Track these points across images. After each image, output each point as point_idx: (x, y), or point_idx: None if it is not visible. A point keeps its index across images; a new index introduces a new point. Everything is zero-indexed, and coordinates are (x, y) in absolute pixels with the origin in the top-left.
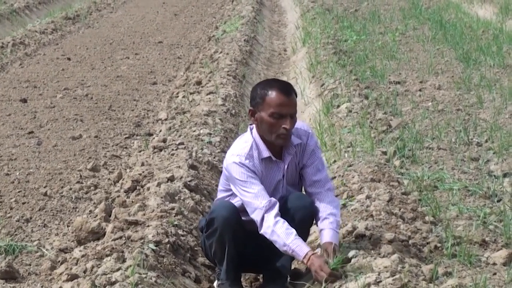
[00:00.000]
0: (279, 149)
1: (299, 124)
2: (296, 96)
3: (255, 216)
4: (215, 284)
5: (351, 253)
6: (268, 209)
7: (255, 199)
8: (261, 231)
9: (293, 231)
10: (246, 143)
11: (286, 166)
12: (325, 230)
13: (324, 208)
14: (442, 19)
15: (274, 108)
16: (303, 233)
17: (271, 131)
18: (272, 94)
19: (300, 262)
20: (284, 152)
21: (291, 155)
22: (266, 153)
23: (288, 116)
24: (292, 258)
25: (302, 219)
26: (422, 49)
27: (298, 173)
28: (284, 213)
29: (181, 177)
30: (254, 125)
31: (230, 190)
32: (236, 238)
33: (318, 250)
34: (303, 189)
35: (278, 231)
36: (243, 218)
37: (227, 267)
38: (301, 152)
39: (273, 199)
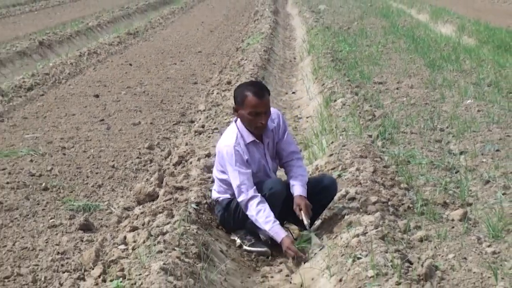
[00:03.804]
0: (259, 134)
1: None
2: (269, 95)
3: (240, 200)
4: (246, 246)
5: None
6: (251, 198)
7: (241, 186)
8: (247, 213)
9: (271, 218)
10: (233, 134)
11: (266, 146)
12: (296, 186)
13: (296, 170)
14: (414, 35)
15: (251, 108)
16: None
17: (251, 124)
18: (250, 97)
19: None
20: (263, 136)
21: (268, 138)
22: (250, 138)
23: (262, 113)
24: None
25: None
26: (399, 57)
27: (275, 148)
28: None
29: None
30: (238, 118)
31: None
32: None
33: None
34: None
35: (260, 220)
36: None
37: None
38: (277, 132)
39: (254, 192)
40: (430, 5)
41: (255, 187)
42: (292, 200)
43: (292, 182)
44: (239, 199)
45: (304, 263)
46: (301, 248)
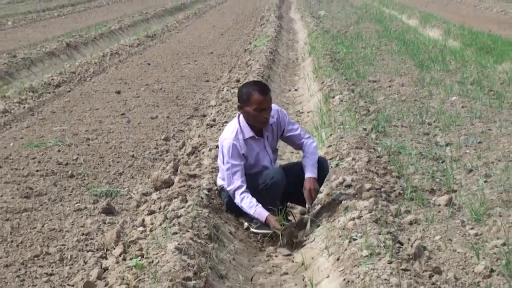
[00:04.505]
0: (260, 130)
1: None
2: (270, 92)
3: (229, 189)
4: (252, 229)
5: (341, 197)
6: (237, 188)
7: (232, 178)
8: (235, 201)
9: (254, 202)
10: (234, 129)
11: (266, 139)
12: (307, 167)
13: (307, 149)
14: (404, 38)
15: (257, 104)
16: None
17: (255, 120)
18: (255, 94)
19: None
20: (263, 131)
21: (268, 132)
22: (249, 134)
23: (267, 109)
24: None
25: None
26: (391, 58)
27: (276, 141)
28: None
29: None
30: (241, 114)
31: None
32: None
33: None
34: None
35: (244, 206)
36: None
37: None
38: (277, 127)
39: (240, 183)
40: (419, 11)
41: (243, 178)
42: (292, 183)
43: (304, 163)
44: (228, 188)
45: (295, 241)
46: (285, 225)
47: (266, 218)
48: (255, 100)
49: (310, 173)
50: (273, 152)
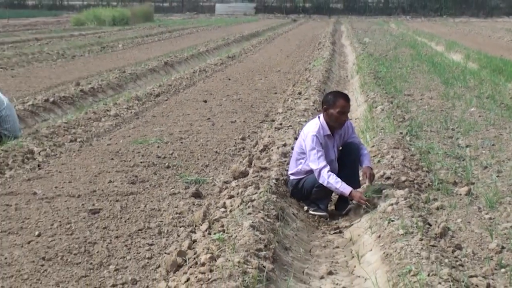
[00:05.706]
0: (333, 130)
1: None
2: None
3: (316, 170)
4: (311, 211)
5: (383, 187)
6: (323, 167)
7: (317, 160)
8: (318, 179)
9: (339, 180)
10: (316, 125)
11: (335, 140)
12: (365, 160)
13: (364, 152)
14: (433, 61)
15: (341, 108)
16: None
17: (336, 121)
18: (341, 100)
19: (347, 196)
20: (335, 132)
21: (337, 135)
22: (327, 131)
23: (346, 113)
24: None
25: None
26: (422, 77)
27: (341, 144)
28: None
29: (290, 144)
30: (322, 114)
31: (304, 153)
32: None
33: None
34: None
35: (331, 181)
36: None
37: (326, 203)
38: (345, 132)
39: (325, 164)
40: (445, 40)
41: (325, 161)
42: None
43: (362, 158)
44: (315, 167)
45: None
46: (368, 197)
47: (351, 192)
48: (340, 104)
49: (368, 163)
50: (337, 151)
